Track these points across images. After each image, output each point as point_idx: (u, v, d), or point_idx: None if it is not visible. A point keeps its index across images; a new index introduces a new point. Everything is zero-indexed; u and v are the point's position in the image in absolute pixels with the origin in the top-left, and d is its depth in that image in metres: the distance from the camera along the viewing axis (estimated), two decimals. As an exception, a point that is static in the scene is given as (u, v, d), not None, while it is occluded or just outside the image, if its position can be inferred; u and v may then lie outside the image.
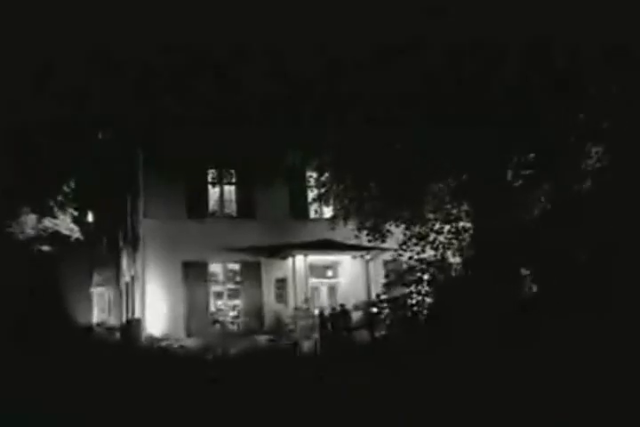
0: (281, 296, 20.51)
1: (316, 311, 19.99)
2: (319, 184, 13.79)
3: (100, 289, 28.16)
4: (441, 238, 11.38)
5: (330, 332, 18.65)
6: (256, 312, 20.23)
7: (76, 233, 24.02)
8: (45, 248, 23.98)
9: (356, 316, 19.40)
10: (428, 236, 11.37)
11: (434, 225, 11.62)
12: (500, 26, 9.11)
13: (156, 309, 19.22)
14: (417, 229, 11.65)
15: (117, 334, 21.81)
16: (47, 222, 23.44)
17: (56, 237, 23.74)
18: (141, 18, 11.96)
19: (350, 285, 21.26)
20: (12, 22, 12.66)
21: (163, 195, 20.06)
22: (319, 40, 10.54)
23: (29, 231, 23.33)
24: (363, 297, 20.51)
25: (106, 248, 28.60)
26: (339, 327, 18.45)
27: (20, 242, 23.15)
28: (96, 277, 28.35)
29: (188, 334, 18.90)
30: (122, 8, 11.83)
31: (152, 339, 17.88)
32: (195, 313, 19.58)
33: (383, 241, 12.23)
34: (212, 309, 20.24)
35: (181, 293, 19.66)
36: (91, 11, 11.97)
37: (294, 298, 20.05)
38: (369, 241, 12.23)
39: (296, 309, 19.67)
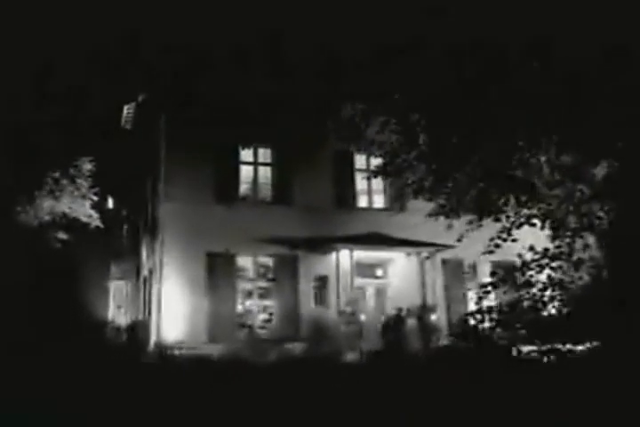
0: (321, 297, 17.74)
1: (363, 316, 17.15)
2: (384, 153, 10.81)
3: (117, 283, 25.53)
4: (571, 222, 8.23)
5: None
6: (291, 315, 17.44)
7: (95, 220, 21.70)
8: (62, 236, 21.61)
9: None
10: (547, 219, 8.28)
11: (550, 204, 8.48)
12: (500, 26, 9.07)
13: (174, 307, 16.45)
14: (529, 209, 8.58)
15: (124, 336, 19.09)
16: (64, 208, 21.20)
17: (73, 225, 21.47)
18: (141, 18, 11.71)
19: (402, 286, 18.62)
20: (13, 22, 12.45)
21: (187, 175, 17.43)
22: (319, 40, 10.59)
23: (45, 217, 21.14)
24: (416, 301, 18.17)
25: (126, 237, 26.05)
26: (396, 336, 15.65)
27: (34, 228, 21.00)
28: (114, 270, 25.76)
29: (210, 340, 15.97)
30: (122, 8, 11.50)
31: (162, 345, 14.96)
32: (219, 314, 16.76)
33: (497, 219, 9.09)
34: (240, 310, 17.33)
35: (204, 289, 16.87)
36: (91, 11, 11.91)
37: (337, 300, 17.35)
38: (469, 222, 9.19)
39: (340, 312, 16.97)
